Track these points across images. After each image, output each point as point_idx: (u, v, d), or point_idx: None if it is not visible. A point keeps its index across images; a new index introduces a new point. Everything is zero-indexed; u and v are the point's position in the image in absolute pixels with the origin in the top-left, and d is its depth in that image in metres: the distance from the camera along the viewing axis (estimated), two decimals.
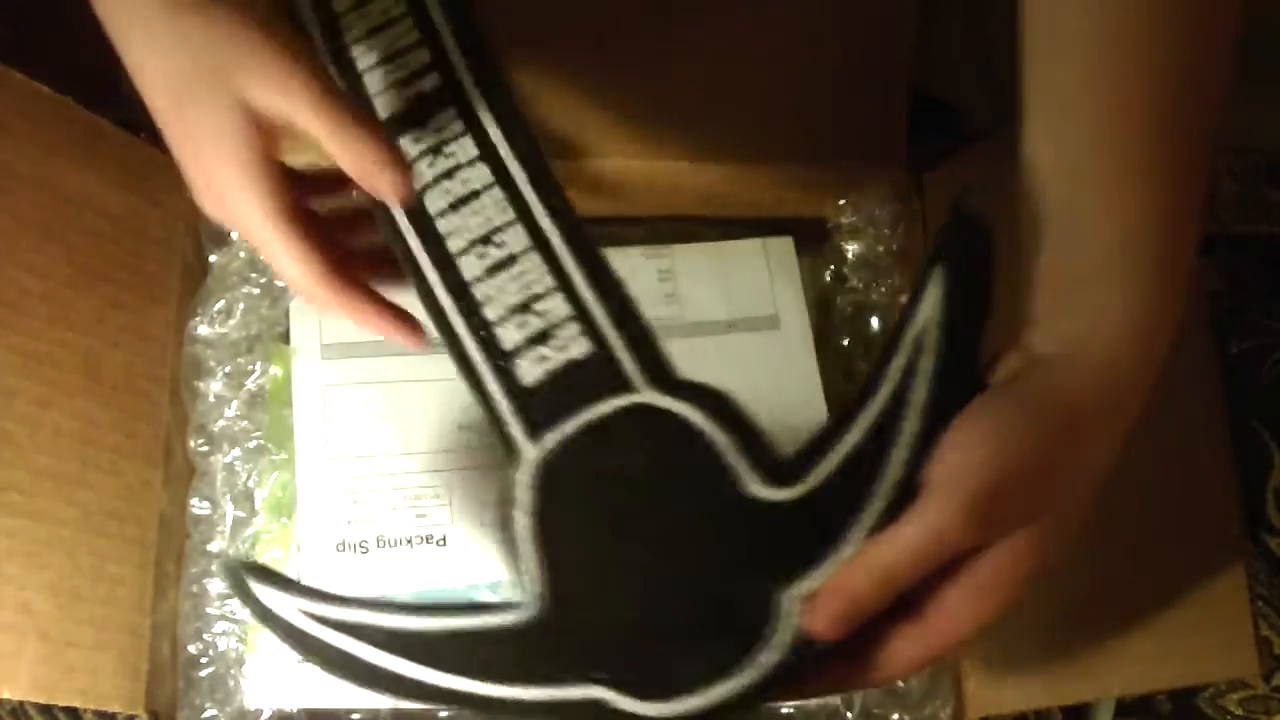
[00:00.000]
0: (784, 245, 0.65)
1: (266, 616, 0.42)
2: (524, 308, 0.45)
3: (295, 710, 0.56)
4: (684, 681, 0.40)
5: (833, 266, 0.65)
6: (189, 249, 0.63)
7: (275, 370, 0.61)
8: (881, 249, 0.64)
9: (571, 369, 0.44)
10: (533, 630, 0.41)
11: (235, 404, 0.60)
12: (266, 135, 0.42)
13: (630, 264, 0.65)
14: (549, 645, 0.41)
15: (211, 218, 0.44)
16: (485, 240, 0.45)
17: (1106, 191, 0.39)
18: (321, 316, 0.61)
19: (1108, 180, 0.39)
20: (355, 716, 0.57)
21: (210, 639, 0.57)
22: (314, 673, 0.41)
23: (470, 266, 0.45)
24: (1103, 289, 0.39)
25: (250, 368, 0.61)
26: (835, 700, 0.59)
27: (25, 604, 0.51)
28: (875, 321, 0.63)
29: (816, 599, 0.39)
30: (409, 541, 0.58)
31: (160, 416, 0.59)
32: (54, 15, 0.61)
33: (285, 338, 0.61)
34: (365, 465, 0.59)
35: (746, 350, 0.63)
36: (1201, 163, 0.39)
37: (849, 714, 0.59)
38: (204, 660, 0.57)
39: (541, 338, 0.44)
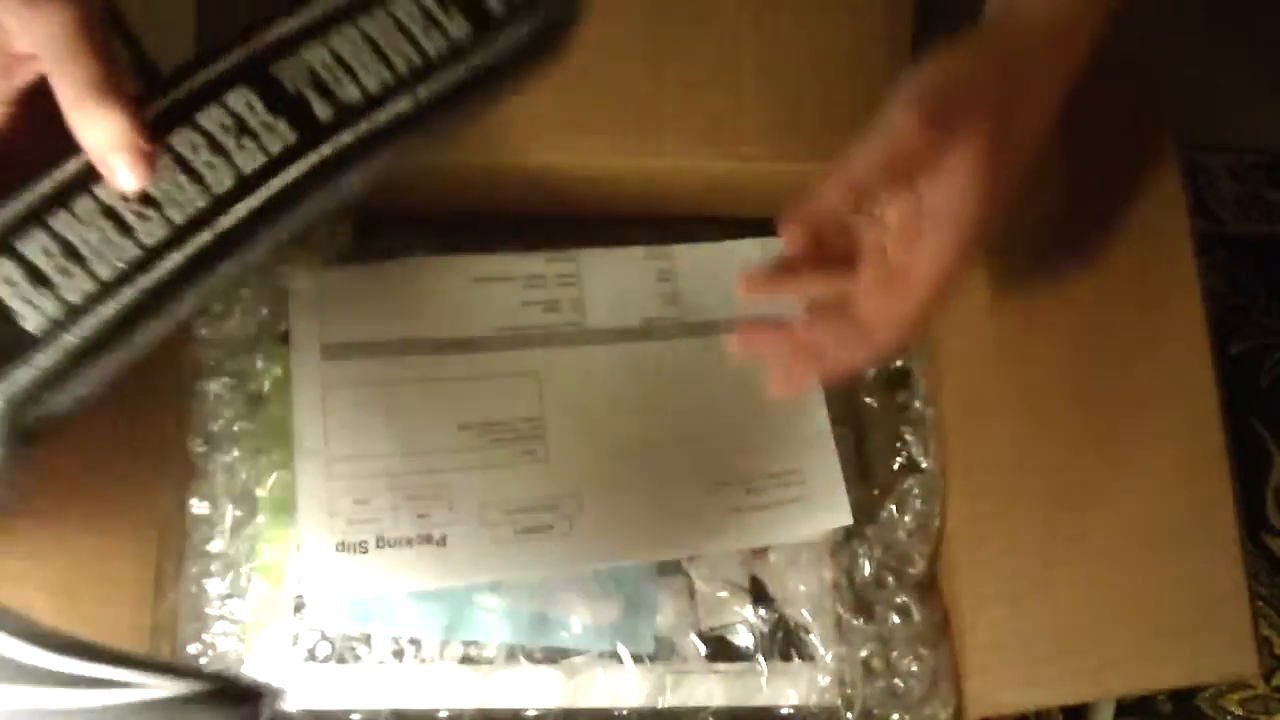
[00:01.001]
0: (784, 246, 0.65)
1: None
2: (79, 259, 0.38)
3: (295, 710, 0.56)
4: None
5: None
6: None
7: (275, 370, 0.61)
8: None
9: (19, 332, 0.38)
10: None
11: (235, 404, 0.60)
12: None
13: (630, 264, 0.65)
14: None
15: None
16: (146, 198, 0.39)
17: None
18: (322, 317, 0.61)
19: None
20: (355, 717, 0.57)
21: (210, 639, 0.57)
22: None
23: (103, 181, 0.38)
24: None
25: (250, 368, 0.61)
26: (835, 700, 0.59)
27: (25, 604, 0.51)
28: None
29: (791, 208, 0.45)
30: (409, 541, 0.58)
31: (160, 416, 0.59)
32: None
33: (285, 338, 0.61)
34: (365, 465, 0.59)
35: None
36: None
37: (849, 714, 0.59)
38: (204, 660, 0.57)
39: (52, 288, 0.38)
